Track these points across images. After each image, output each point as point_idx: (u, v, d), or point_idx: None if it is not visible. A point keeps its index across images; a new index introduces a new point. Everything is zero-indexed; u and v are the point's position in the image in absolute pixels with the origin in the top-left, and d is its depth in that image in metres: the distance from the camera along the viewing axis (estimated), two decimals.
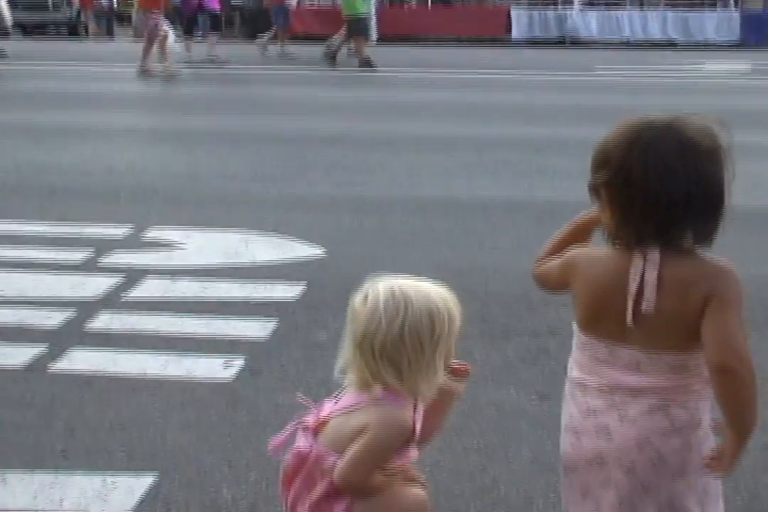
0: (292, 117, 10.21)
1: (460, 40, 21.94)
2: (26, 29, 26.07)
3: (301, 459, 2.17)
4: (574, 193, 6.42)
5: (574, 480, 1.99)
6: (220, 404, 3.26)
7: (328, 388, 3.28)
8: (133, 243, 5.24)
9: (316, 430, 2.20)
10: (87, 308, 4.19)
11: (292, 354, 3.72)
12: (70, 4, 26.22)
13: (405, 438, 2.11)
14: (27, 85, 13.19)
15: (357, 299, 2.11)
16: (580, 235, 2.07)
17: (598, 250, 1.94)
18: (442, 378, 2.11)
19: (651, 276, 1.82)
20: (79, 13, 26.50)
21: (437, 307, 2.07)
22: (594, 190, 1.87)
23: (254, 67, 15.65)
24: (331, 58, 15.84)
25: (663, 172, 1.77)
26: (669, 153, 1.78)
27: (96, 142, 8.63)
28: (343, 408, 2.17)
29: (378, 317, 2.07)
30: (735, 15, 22.29)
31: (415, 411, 2.15)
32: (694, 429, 1.89)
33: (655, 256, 1.82)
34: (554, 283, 2.03)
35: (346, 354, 2.18)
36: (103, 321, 4.04)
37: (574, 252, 1.99)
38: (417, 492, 2.21)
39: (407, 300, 2.07)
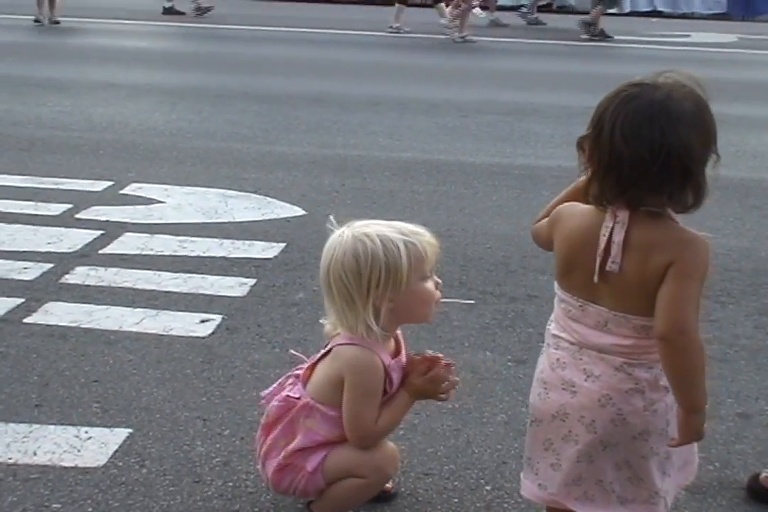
0: (275, 76, 10.12)
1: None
2: None
3: (289, 405, 2.18)
4: (556, 159, 6.52)
5: (539, 432, 2.03)
6: (196, 360, 3.26)
7: (305, 347, 3.31)
8: (112, 198, 5.20)
9: (305, 380, 2.22)
10: (64, 261, 4.17)
11: (269, 312, 3.72)
12: None
13: (379, 376, 2.11)
14: (3, 37, 12.99)
15: None
16: (577, 197, 2.07)
17: (582, 205, 1.93)
18: (379, 325, 2.08)
19: (618, 236, 1.83)
20: None
21: (369, 251, 2.05)
22: (579, 144, 1.87)
23: (241, 24, 15.46)
24: None
25: (629, 131, 1.77)
26: (640, 113, 1.77)
27: (76, 96, 8.52)
28: (321, 356, 2.19)
29: (322, 257, 2.11)
30: None
31: (386, 353, 2.15)
32: (659, 393, 1.91)
33: (624, 216, 1.82)
34: (545, 239, 2.03)
35: None
36: (80, 275, 4.02)
37: (561, 206, 2.00)
38: (388, 445, 2.23)
39: (340, 243, 2.08)
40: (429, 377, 2.18)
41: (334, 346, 2.13)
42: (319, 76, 10.13)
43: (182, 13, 16.03)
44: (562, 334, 1.97)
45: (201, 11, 16.11)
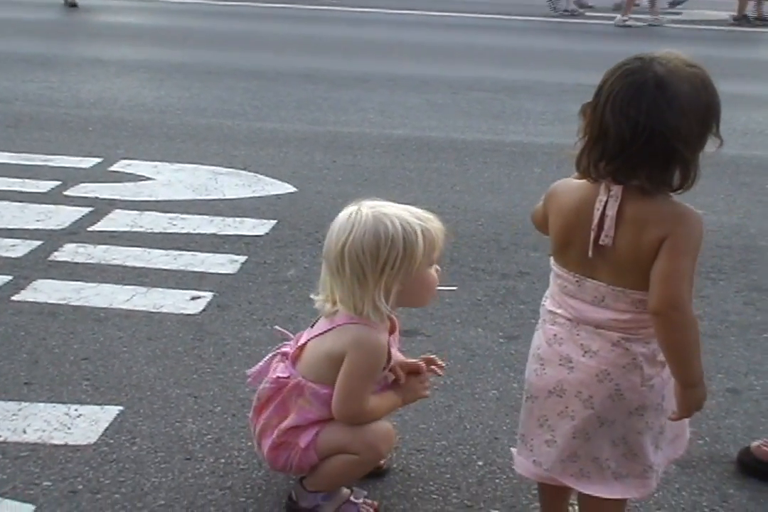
0: (264, 52, 10.05)
1: None
2: None
3: (279, 386, 2.17)
4: (548, 136, 6.50)
5: (534, 408, 2.01)
6: (187, 338, 3.25)
7: (296, 324, 3.30)
8: (100, 175, 5.16)
9: (295, 358, 2.20)
10: (53, 239, 4.14)
11: (260, 289, 3.71)
12: None
13: (384, 357, 2.11)
14: None
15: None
16: None
17: (575, 181, 1.92)
18: (389, 306, 2.08)
19: (611, 210, 1.81)
20: None
21: (389, 232, 2.04)
22: (582, 110, 1.86)
23: (230, 0, 15.34)
24: None
25: (618, 107, 1.75)
26: (633, 89, 1.75)
27: (63, 72, 8.44)
28: (316, 334, 2.18)
29: (332, 235, 2.09)
30: None
31: (387, 334, 2.15)
32: (655, 368, 1.90)
33: (617, 190, 1.81)
34: (542, 218, 2.01)
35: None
36: (68, 253, 3.99)
37: (555, 183, 1.98)
38: (383, 423, 2.22)
39: (358, 221, 2.06)
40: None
41: (337, 324, 2.11)
42: (309, 52, 10.06)
43: None
44: (558, 310, 1.96)
45: None
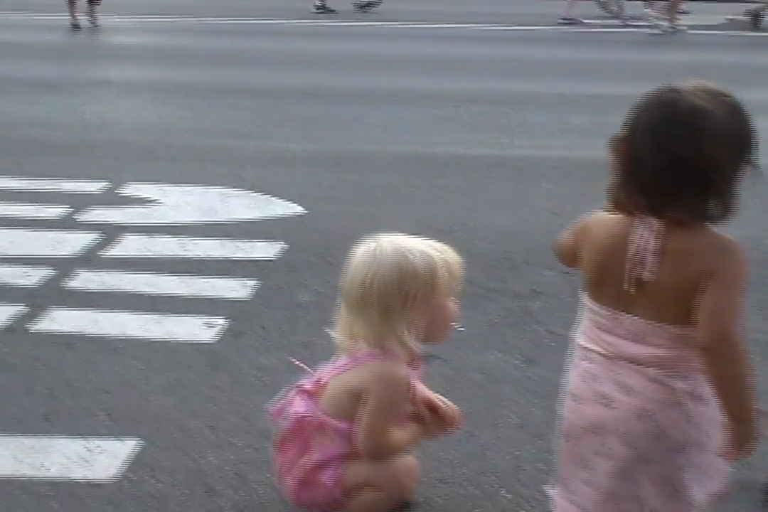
0: (266, 70, 10.08)
1: None
2: None
3: (300, 423, 2.16)
4: (554, 149, 6.50)
5: (571, 447, 1.99)
6: (202, 366, 3.24)
7: (312, 350, 3.30)
8: (110, 199, 5.17)
9: (315, 394, 2.19)
10: (65, 266, 4.14)
11: (273, 314, 3.70)
12: None
13: (406, 391, 2.10)
14: None
15: (353, 254, 2.14)
16: None
17: (608, 215, 1.91)
18: (415, 340, 2.08)
19: (650, 244, 1.80)
20: None
21: (412, 267, 2.04)
22: (612, 145, 1.85)
23: (227, 16, 15.38)
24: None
25: (652, 138, 1.75)
26: (666, 120, 1.75)
27: (68, 94, 8.47)
28: (337, 370, 2.17)
29: (353, 272, 2.08)
30: None
31: (408, 367, 2.15)
32: (695, 403, 1.88)
33: (655, 223, 1.81)
34: (570, 252, 2.00)
35: (339, 312, 2.19)
36: (82, 280, 3.99)
37: (588, 217, 1.97)
38: (407, 458, 2.21)
39: (380, 257, 2.06)
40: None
41: (359, 360, 2.11)
42: (312, 69, 10.08)
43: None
44: (593, 346, 1.94)
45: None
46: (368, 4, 15.90)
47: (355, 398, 2.09)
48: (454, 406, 2.38)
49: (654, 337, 1.86)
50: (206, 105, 8.03)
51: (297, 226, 4.80)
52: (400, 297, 2.03)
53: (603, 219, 1.92)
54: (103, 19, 13.68)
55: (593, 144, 6.97)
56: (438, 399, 2.34)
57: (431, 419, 2.27)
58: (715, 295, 1.77)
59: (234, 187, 5.45)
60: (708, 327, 1.77)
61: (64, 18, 13.32)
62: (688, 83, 1.81)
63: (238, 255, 4.35)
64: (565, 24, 14.47)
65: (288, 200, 5.20)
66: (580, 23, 14.59)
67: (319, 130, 7.09)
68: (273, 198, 5.25)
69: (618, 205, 1.85)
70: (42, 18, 14.71)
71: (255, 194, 5.32)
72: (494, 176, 5.86)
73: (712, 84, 1.82)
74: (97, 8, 13.47)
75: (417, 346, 2.10)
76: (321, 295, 3.84)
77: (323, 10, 15.82)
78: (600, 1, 15.30)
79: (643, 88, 1.87)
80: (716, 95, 1.79)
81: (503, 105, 8.20)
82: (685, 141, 1.74)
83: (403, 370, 2.09)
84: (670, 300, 1.82)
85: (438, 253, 2.11)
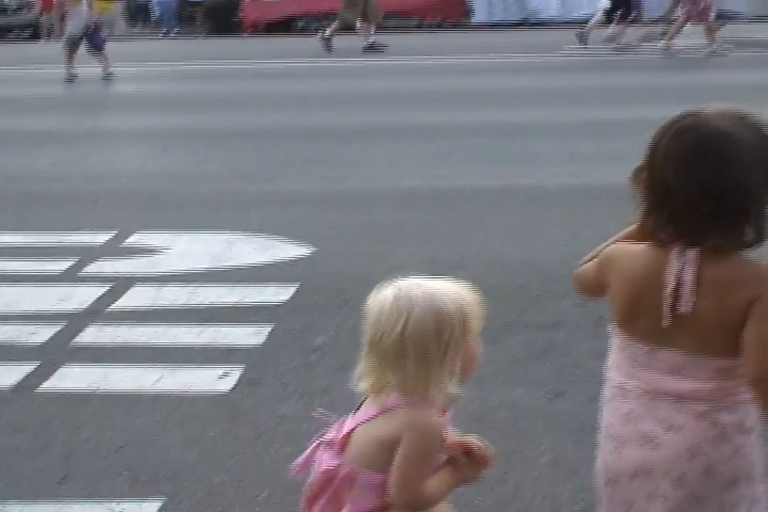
0: (267, 112, 10.07)
1: (420, 27, 21.74)
2: None
3: (328, 477, 2.06)
4: (561, 177, 6.44)
5: (616, 493, 1.89)
6: (221, 418, 3.15)
7: (331, 396, 3.21)
8: (116, 250, 5.10)
9: (341, 446, 2.09)
10: (74, 321, 4.06)
11: (289, 360, 3.61)
12: (30, 8, 25.86)
13: (440, 439, 2.01)
14: None
15: (370, 301, 2.02)
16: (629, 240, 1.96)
17: (635, 245, 1.83)
18: (455, 386, 2.00)
19: (688, 275, 1.72)
20: (40, 15, 26.15)
21: (446, 310, 1.96)
22: (634, 176, 1.78)
23: (216, 59, 15.45)
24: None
25: (681, 167, 1.69)
26: (692, 147, 1.69)
27: (69, 145, 8.45)
28: (365, 419, 2.07)
29: (383, 320, 1.98)
30: None
31: (440, 415, 2.06)
32: (744, 436, 1.79)
33: (691, 253, 1.73)
34: (593, 284, 1.92)
35: (362, 359, 2.08)
36: (92, 335, 3.91)
37: (611, 247, 1.89)
38: (443, 508, 2.11)
39: (412, 301, 1.96)
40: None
41: (388, 408, 2.01)
42: (312, 108, 10.07)
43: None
44: (630, 383, 1.84)
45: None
46: (371, 47, 15.86)
47: (385, 448, 1.99)
48: (486, 445, 2.28)
49: (697, 370, 1.77)
50: (209, 150, 8.00)
51: (307, 268, 4.72)
52: (438, 343, 1.94)
53: (630, 250, 1.84)
54: (91, 68, 13.72)
55: (600, 170, 6.97)
56: (468, 440, 2.24)
57: (466, 462, 2.17)
58: (761, 326, 1.69)
59: (241, 231, 5.38)
60: (756, 360, 1.69)
61: (58, 71, 13.36)
62: (710, 106, 1.75)
63: (250, 300, 4.27)
64: (618, 50, 14.40)
65: (296, 241, 5.13)
66: (629, 48, 14.51)
67: (324, 169, 7.04)
68: (281, 240, 5.18)
69: (650, 235, 1.77)
70: (36, 71, 14.79)
71: (263, 237, 5.25)
72: (503, 208, 5.79)
73: (735, 106, 1.76)
74: (103, 58, 13.50)
75: (456, 392, 2.00)
76: (336, 337, 3.76)
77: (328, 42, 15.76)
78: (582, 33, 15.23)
79: (645, 112, 1.80)
80: (741, 118, 1.72)
81: (506, 135, 8.16)
82: (713, 168, 1.68)
83: (435, 417, 2.00)
84: (712, 332, 1.74)
85: (463, 293, 2.03)
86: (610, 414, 1.89)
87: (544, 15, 21.36)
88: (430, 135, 8.28)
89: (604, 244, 1.96)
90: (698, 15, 13.62)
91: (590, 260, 1.96)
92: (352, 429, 2.08)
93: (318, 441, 2.18)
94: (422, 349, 1.95)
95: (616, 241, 1.94)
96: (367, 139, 8.25)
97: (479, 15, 21.86)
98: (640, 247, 1.81)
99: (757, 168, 1.69)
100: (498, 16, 21.73)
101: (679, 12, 13.89)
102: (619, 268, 1.84)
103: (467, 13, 21.99)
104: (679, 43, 14.00)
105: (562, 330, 3.80)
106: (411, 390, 1.98)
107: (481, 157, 7.32)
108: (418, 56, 14.52)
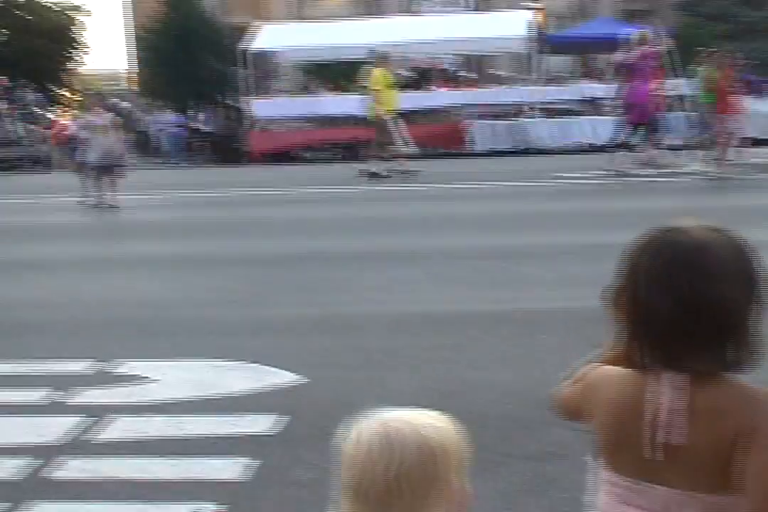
0: (252, 238, 10.08)
1: (425, 156, 22.19)
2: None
3: None
4: (555, 300, 6.35)
5: None
6: None
7: None
8: (98, 379, 4.96)
9: None
10: (47, 454, 3.88)
11: (271, 496, 3.43)
12: (42, 140, 26.50)
13: None
14: None
15: (350, 441, 1.87)
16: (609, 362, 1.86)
17: (616, 370, 1.73)
18: None
19: (679, 403, 1.61)
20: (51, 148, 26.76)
21: (439, 446, 1.83)
22: (612, 298, 1.69)
23: (215, 189, 15.64)
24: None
25: (658, 284, 1.61)
26: (670, 263, 1.61)
27: (57, 274, 8.41)
28: None
29: (372, 462, 1.83)
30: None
31: None
32: None
33: (679, 378, 1.62)
34: (572, 407, 1.81)
35: (343, 504, 1.92)
36: (67, 469, 3.74)
37: (594, 372, 1.78)
38: None
39: (403, 440, 1.83)
40: None
41: None
42: (302, 234, 10.09)
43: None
44: None
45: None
46: (374, 175, 15.97)
47: None
48: None
49: (686, 509, 1.63)
50: (198, 276, 7.95)
51: (297, 397, 4.58)
52: (435, 482, 1.80)
53: (609, 375, 1.73)
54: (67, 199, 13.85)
55: (593, 293, 6.84)
56: None
57: None
58: (762, 457, 1.57)
59: (230, 359, 5.25)
60: (761, 494, 1.56)
61: (49, 198, 13.49)
62: (680, 223, 1.68)
63: (235, 430, 4.11)
64: (616, 176, 14.29)
65: (286, 369, 4.99)
66: (629, 174, 14.42)
67: (313, 295, 6.96)
68: (271, 367, 5.05)
69: (629, 361, 1.67)
70: (40, 200, 14.96)
71: (251, 365, 5.12)
72: (497, 332, 5.69)
73: (702, 221, 1.69)
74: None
75: None
76: (323, 471, 3.57)
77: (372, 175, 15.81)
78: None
79: (632, 234, 1.74)
80: (717, 231, 1.65)
81: (499, 258, 8.12)
82: (694, 284, 1.59)
83: None
84: (703, 466, 1.61)
85: (449, 427, 1.89)
86: None
87: (542, 142, 21.80)
88: (422, 259, 8.25)
89: (586, 365, 1.86)
90: (724, 137, 13.77)
91: (570, 380, 1.86)
92: None
93: None
94: (417, 493, 1.80)
95: (599, 362, 1.84)
96: (360, 264, 8.21)
97: (479, 144, 22.23)
98: (619, 372, 1.71)
99: (736, 282, 1.60)
100: (497, 144, 22.12)
101: (704, 134, 14.06)
102: (601, 397, 1.73)
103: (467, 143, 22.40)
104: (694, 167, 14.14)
105: (561, 462, 3.63)
106: None
107: (475, 281, 7.26)
108: (404, 184, 14.70)
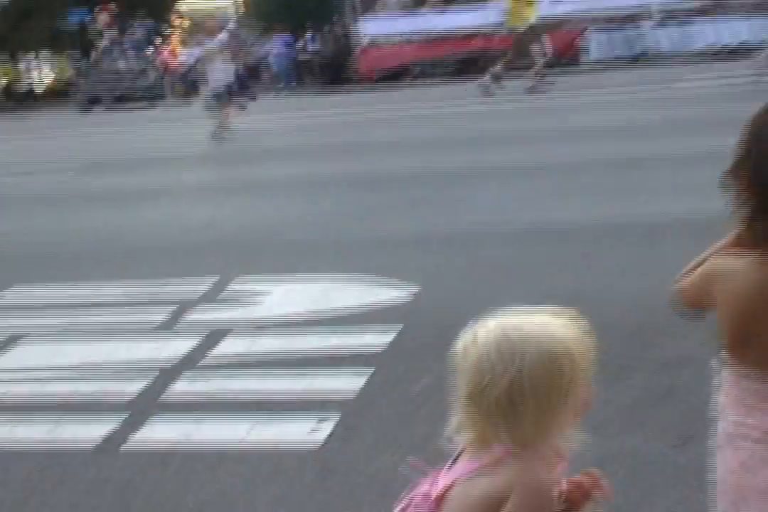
0: (368, 158, 9.93)
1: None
2: (115, 95, 26.85)
3: None
4: (679, 208, 6.03)
5: None
6: (310, 475, 2.88)
7: (431, 447, 2.91)
8: (213, 298, 4.94)
9: (437, 501, 1.80)
10: (166, 373, 3.88)
11: (387, 409, 3.33)
12: (154, 69, 26.75)
13: (554, 498, 1.69)
14: (112, 148, 13.28)
15: (464, 344, 1.70)
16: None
17: (740, 258, 1.53)
18: (570, 435, 1.69)
19: None
20: (162, 78, 26.99)
21: (563, 346, 1.64)
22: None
23: (326, 112, 15.50)
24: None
25: None
26: None
27: (173, 201, 8.47)
28: (464, 475, 1.76)
29: (489, 366, 1.65)
30: None
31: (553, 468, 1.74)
32: None
33: None
34: (696, 300, 1.63)
35: (459, 409, 1.77)
36: (182, 387, 3.72)
37: (713, 263, 1.60)
38: None
39: (524, 341, 1.65)
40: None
41: (494, 463, 1.71)
42: (413, 152, 9.89)
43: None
44: (750, 421, 1.53)
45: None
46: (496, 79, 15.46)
47: (488, 507, 1.68)
48: (594, 472, 1.93)
49: None
50: (311, 198, 7.88)
51: (410, 309, 4.46)
52: (556, 388, 1.63)
53: (736, 265, 1.54)
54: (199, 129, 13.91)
55: (720, 202, 6.50)
56: (575, 478, 1.90)
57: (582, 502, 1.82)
58: None
59: (343, 274, 5.17)
60: None
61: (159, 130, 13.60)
62: None
63: (349, 346, 4.02)
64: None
65: (399, 282, 4.88)
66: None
67: (428, 211, 6.80)
68: (383, 282, 4.94)
69: (757, 243, 1.46)
70: (153, 131, 15.14)
71: (364, 279, 5.02)
72: (619, 241, 5.44)
73: None
74: (232, 114, 13.72)
75: (572, 442, 1.68)
76: (442, 381, 3.45)
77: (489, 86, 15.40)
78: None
79: None
80: None
81: (621, 167, 7.78)
82: None
83: (549, 473, 1.68)
84: None
85: (574, 329, 1.71)
86: (728, 460, 1.57)
87: (661, 48, 20.91)
88: (539, 172, 7.97)
89: (706, 253, 1.66)
90: None
91: (692, 270, 1.66)
92: (450, 485, 1.78)
93: (411, 497, 1.89)
94: (538, 396, 1.63)
95: (718, 250, 1.64)
96: (473, 179, 7.99)
97: (595, 52, 21.50)
98: (747, 261, 1.51)
99: None
100: (614, 53, 21.34)
101: None
102: (726, 286, 1.54)
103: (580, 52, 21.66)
104: None
105: (687, 370, 3.42)
106: (522, 442, 1.66)
107: (594, 191, 6.97)
108: (541, 95, 14.29)
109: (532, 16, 15.42)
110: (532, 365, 1.61)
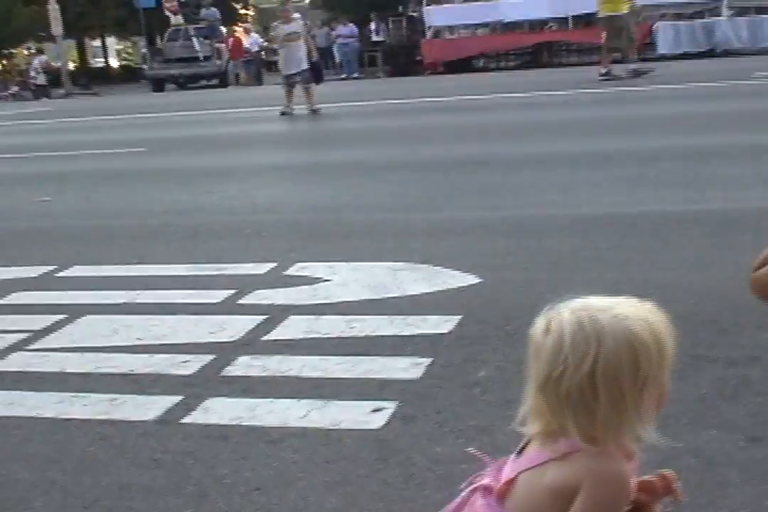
0: (436, 144, 9.86)
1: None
2: (180, 81, 27.12)
3: None
4: (751, 201, 5.89)
5: None
6: (369, 458, 2.85)
7: (492, 436, 2.86)
8: (275, 280, 4.93)
9: (501, 493, 1.74)
10: (226, 352, 3.87)
11: (448, 396, 3.28)
12: (219, 56, 26.94)
13: (628, 493, 1.63)
14: (181, 131, 13.37)
15: (538, 331, 1.63)
16: None
17: None
18: (647, 428, 1.61)
19: None
20: (228, 63, 27.17)
21: (641, 337, 1.57)
22: None
23: (393, 98, 15.44)
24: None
25: None
26: None
27: (240, 181, 8.49)
28: (532, 465, 1.70)
29: (564, 355, 1.58)
30: None
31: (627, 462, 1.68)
32: None
33: None
34: None
35: (528, 398, 1.71)
36: (242, 366, 3.71)
37: None
38: None
39: (600, 331, 1.57)
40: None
41: (563, 453, 1.65)
42: (482, 140, 9.82)
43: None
44: None
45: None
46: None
47: (558, 500, 1.62)
48: (669, 476, 1.85)
49: None
50: (375, 182, 7.85)
51: (472, 297, 4.40)
52: (635, 379, 1.56)
53: None
54: (268, 111, 13.94)
55: None
56: (645, 478, 1.83)
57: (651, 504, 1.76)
58: None
59: (405, 261, 5.12)
60: None
61: (228, 113, 13.65)
62: None
63: (409, 331, 3.98)
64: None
65: (461, 271, 4.82)
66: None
67: (492, 198, 6.73)
68: (445, 269, 4.88)
69: None
70: (223, 113, 15.20)
71: (426, 266, 4.97)
72: (688, 233, 5.31)
73: None
74: (313, 95, 13.83)
75: (649, 435, 1.61)
76: (501, 371, 3.41)
77: (609, 77, 15.39)
78: None
79: None
80: None
81: (690, 159, 7.63)
82: None
83: (623, 466, 1.61)
84: None
85: (654, 316, 1.63)
86: None
87: (734, 44, 20.50)
88: (608, 162, 7.86)
89: None
90: None
91: (764, 259, 1.58)
92: (516, 476, 1.72)
93: (472, 487, 1.84)
94: (616, 387, 1.56)
95: None
96: (541, 168, 7.89)
97: (663, 46, 21.19)
98: None
99: None
100: (683, 48, 20.99)
101: None
102: None
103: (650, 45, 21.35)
104: None
105: (759, 366, 3.32)
106: (597, 434, 1.60)
107: (664, 182, 6.83)
108: (596, 85, 14.08)
109: (627, 4, 15.42)
110: (607, 357, 1.54)
